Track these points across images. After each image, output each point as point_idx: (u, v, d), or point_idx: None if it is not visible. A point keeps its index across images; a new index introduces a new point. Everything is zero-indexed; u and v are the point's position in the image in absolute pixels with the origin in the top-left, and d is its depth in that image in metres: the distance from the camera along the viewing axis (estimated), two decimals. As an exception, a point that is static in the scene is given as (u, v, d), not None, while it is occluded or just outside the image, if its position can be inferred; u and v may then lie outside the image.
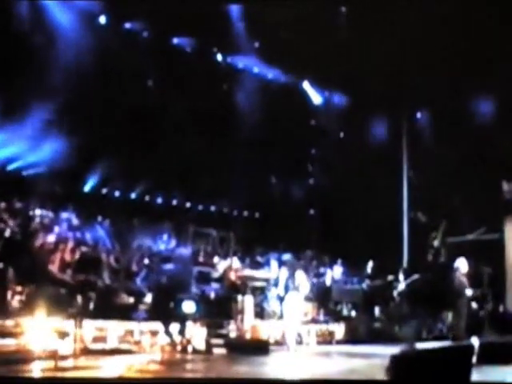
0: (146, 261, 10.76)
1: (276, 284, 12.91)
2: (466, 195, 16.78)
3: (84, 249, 10.36)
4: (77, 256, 9.82)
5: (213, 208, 18.95)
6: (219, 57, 18.05)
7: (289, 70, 18.68)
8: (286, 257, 14.74)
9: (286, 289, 11.79)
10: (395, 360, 5.04)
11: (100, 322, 9.46)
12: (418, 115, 20.36)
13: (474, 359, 9.20)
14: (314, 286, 14.82)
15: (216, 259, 14.20)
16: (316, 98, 20.04)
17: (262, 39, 17.15)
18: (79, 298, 9.02)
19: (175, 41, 17.06)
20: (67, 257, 9.62)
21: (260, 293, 12.88)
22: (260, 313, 12.61)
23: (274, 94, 18.29)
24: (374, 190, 18.04)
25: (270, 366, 9.33)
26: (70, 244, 9.89)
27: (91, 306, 9.41)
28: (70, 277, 9.49)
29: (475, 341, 9.40)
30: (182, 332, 9.94)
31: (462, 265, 11.69)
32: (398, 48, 16.52)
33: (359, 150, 18.87)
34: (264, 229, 18.29)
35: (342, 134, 20.38)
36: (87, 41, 14.58)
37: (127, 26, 16.29)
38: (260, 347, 10.24)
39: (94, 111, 15.00)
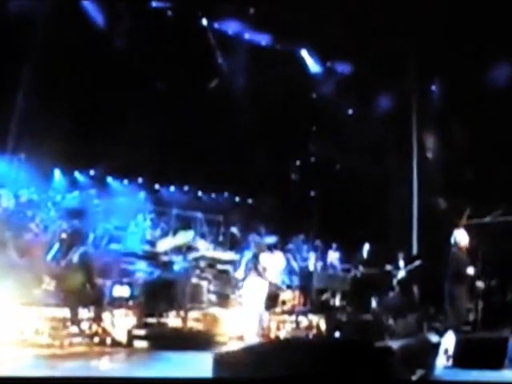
0: (64, 235, 9.34)
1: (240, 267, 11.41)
2: (485, 175, 15.12)
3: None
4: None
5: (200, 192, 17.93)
6: (204, 22, 16.51)
7: (285, 37, 17.06)
8: (270, 240, 13.36)
9: (247, 272, 10.25)
10: (217, 357, 3.79)
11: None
12: (432, 87, 18.47)
13: (447, 359, 7.64)
14: (299, 272, 13.48)
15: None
16: (315, 68, 18.32)
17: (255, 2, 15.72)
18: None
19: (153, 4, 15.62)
20: None
21: (222, 277, 11.33)
22: (219, 300, 11.02)
23: (268, 63, 16.72)
24: (381, 170, 16.71)
25: (185, 364, 7.38)
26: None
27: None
28: None
29: (451, 336, 7.72)
30: (97, 320, 8.48)
31: (460, 237, 9.57)
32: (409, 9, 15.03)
33: (364, 127, 17.28)
34: (257, 211, 17.12)
35: (344, 109, 18.72)
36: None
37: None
38: (197, 340, 8.64)
39: (70, 88, 14.09)
